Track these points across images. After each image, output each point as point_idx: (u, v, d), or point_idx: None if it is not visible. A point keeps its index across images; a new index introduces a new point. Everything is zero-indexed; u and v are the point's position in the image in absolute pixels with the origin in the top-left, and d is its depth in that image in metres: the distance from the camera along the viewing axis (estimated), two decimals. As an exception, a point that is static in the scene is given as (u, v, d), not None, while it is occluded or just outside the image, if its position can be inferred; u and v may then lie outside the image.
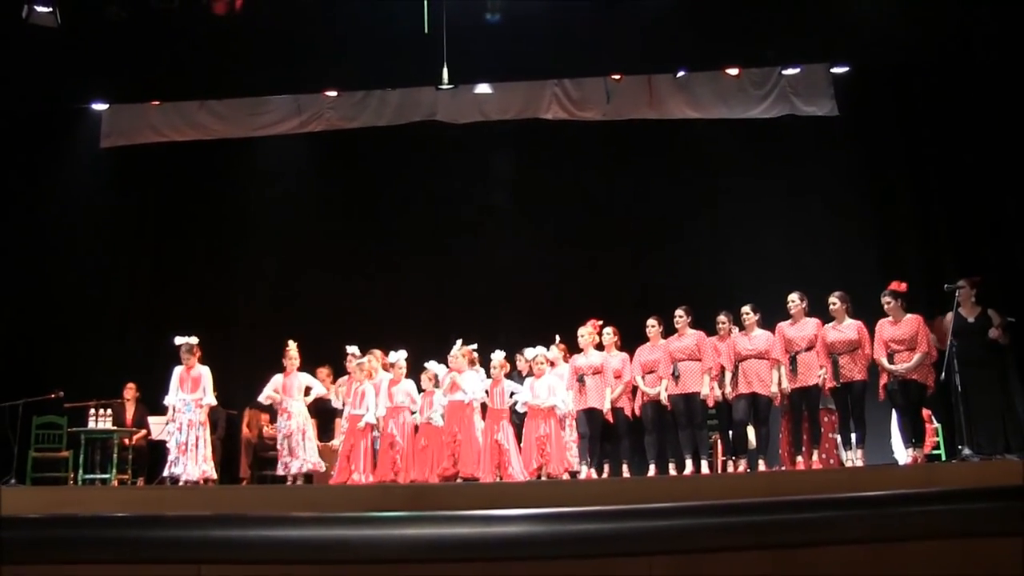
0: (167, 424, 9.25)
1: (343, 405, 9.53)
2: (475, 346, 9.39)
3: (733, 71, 11.12)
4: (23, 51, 9.58)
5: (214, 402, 9.42)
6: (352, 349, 9.59)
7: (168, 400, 9.27)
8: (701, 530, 2.59)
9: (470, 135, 11.65)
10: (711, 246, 11.25)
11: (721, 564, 3.31)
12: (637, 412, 8.79)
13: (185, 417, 9.12)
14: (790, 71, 11.07)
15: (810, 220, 11.08)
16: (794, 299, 8.37)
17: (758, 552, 2.87)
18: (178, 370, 9.28)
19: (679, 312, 8.66)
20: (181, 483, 8.91)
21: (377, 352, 9.53)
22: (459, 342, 9.28)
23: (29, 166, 11.67)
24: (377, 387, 9.26)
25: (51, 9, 9.14)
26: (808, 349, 8.17)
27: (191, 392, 9.19)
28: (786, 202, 11.26)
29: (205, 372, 9.31)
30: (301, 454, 9.17)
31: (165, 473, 9.12)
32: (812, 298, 8.41)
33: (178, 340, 9.31)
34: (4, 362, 11.15)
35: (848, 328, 8.10)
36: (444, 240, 11.85)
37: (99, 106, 11.70)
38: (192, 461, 8.99)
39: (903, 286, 8.08)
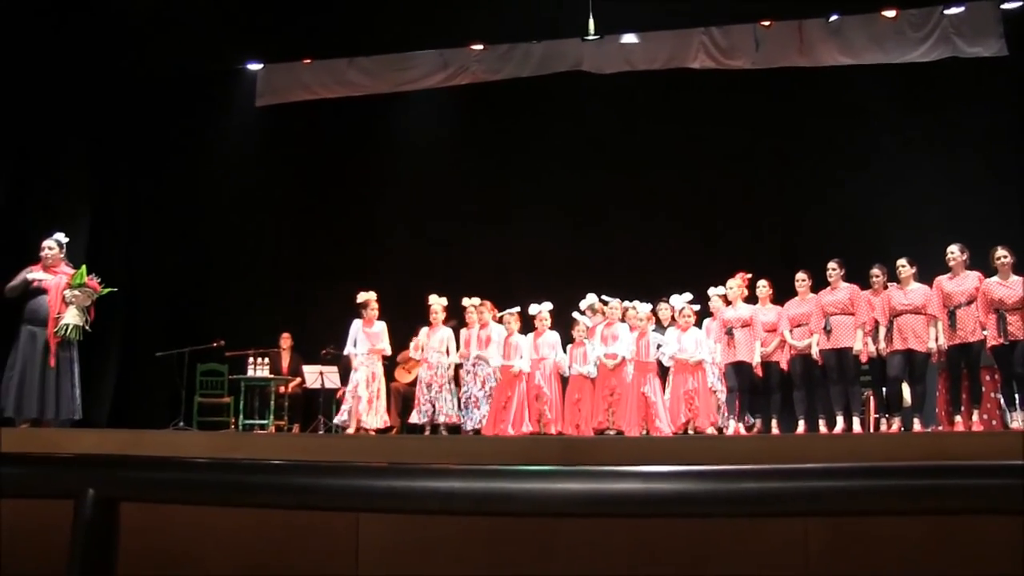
0: (353, 373, 9.58)
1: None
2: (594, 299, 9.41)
3: (890, 13, 10.63)
4: (186, 17, 9.98)
5: (388, 352, 9.70)
6: (471, 301, 9.71)
7: (347, 350, 9.62)
8: (860, 492, 2.51)
9: (616, 85, 11.52)
10: (864, 197, 10.82)
11: (880, 528, 3.24)
12: (785, 367, 8.64)
13: (368, 370, 9.44)
14: (953, 10, 10.51)
15: (972, 169, 10.48)
16: (953, 251, 7.99)
17: (918, 517, 2.77)
18: (358, 323, 9.58)
19: (832, 265, 8.42)
20: (349, 431, 9.25)
21: (488, 303, 9.70)
22: (592, 295, 9.33)
23: (191, 126, 12.20)
24: (489, 338, 9.41)
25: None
26: (968, 304, 7.81)
27: (370, 345, 9.50)
28: (946, 150, 10.69)
29: (381, 327, 9.59)
30: (440, 405, 9.39)
31: (336, 420, 9.51)
32: (973, 251, 8.03)
33: (360, 297, 9.59)
34: (171, 312, 11.78)
35: (1016, 283, 7.66)
36: (584, 192, 11.81)
37: (254, 66, 12.13)
38: (374, 412, 9.33)
39: None
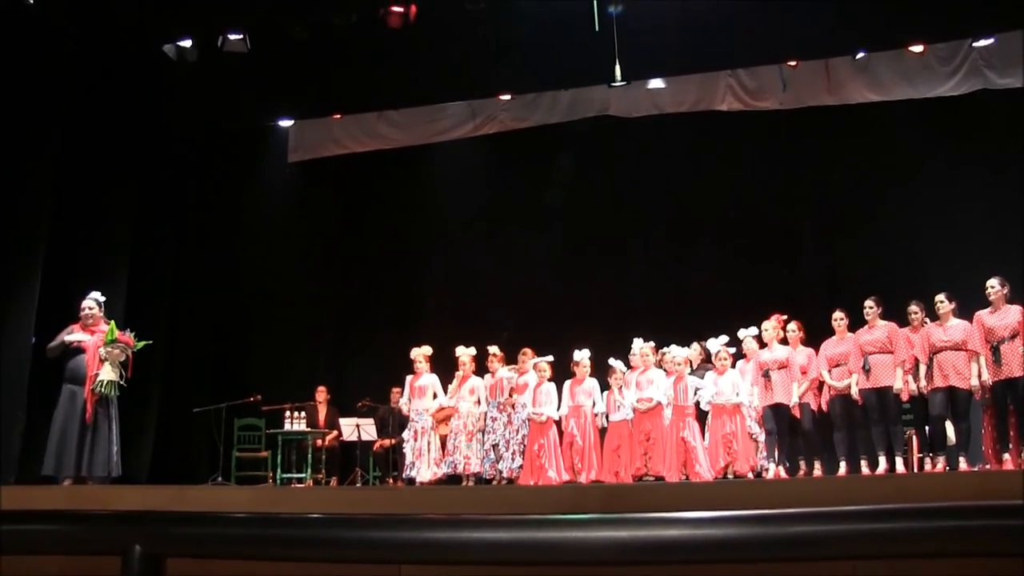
0: (406, 430, 9.68)
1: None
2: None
3: (917, 48, 10.59)
4: (220, 77, 10.19)
5: (446, 403, 9.67)
6: (495, 349, 9.71)
7: (401, 404, 9.81)
8: (910, 534, 2.48)
9: (644, 129, 11.56)
10: (898, 234, 10.72)
11: (933, 569, 3.16)
12: (824, 408, 8.53)
13: (419, 424, 9.52)
14: (982, 42, 10.43)
15: (1009, 201, 10.28)
16: (994, 285, 7.87)
17: (972, 560, 2.72)
18: (410, 379, 9.70)
19: (869, 303, 8.34)
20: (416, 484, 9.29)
21: (529, 351, 9.67)
22: (639, 340, 9.28)
23: (227, 182, 12.36)
24: (526, 384, 9.38)
25: (242, 36, 9.75)
26: (1012, 338, 7.67)
27: (420, 399, 9.59)
28: (980, 184, 10.54)
29: (428, 381, 9.66)
30: (465, 454, 9.35)
31: (404, 475, 9.53)
32: (1015, 284, 7.91)
33: (413, 352, 9.69)
34: (209, 368, 11.86)
35: (1060, 316, 7.54)
36: (615, 236, 11.82)
37: (286, 123, 12.32)
38: (424, 465, 9.36)
39: None
